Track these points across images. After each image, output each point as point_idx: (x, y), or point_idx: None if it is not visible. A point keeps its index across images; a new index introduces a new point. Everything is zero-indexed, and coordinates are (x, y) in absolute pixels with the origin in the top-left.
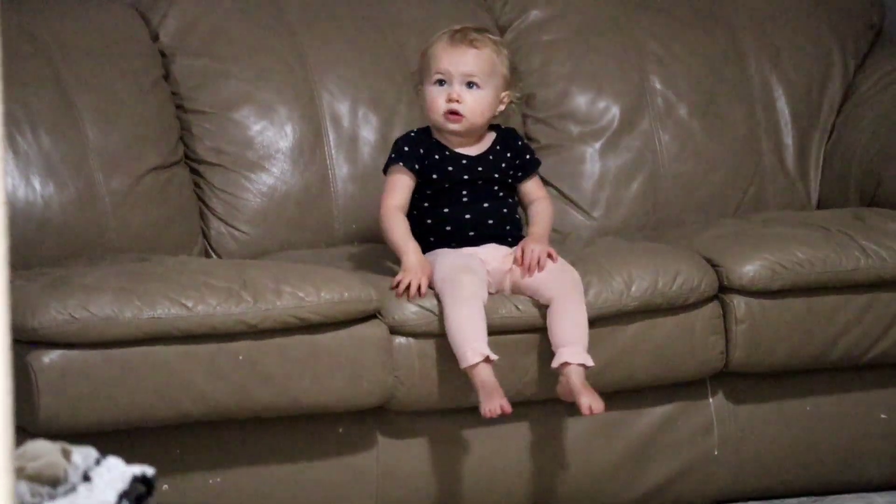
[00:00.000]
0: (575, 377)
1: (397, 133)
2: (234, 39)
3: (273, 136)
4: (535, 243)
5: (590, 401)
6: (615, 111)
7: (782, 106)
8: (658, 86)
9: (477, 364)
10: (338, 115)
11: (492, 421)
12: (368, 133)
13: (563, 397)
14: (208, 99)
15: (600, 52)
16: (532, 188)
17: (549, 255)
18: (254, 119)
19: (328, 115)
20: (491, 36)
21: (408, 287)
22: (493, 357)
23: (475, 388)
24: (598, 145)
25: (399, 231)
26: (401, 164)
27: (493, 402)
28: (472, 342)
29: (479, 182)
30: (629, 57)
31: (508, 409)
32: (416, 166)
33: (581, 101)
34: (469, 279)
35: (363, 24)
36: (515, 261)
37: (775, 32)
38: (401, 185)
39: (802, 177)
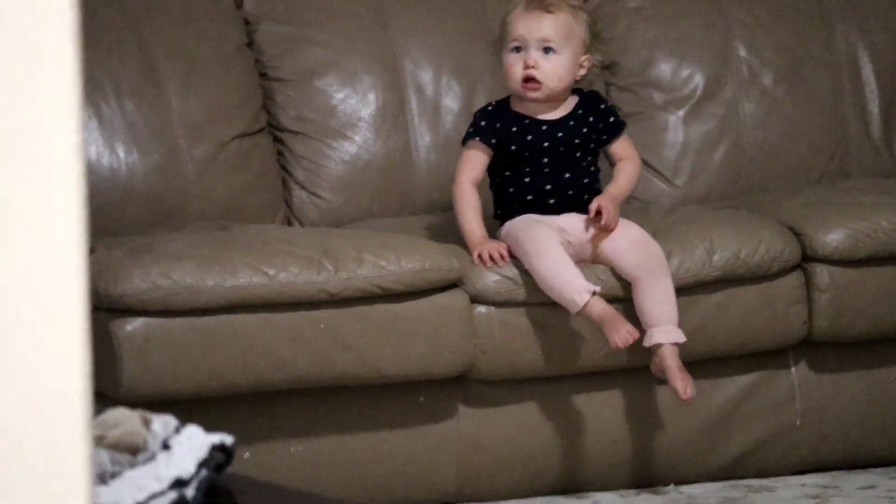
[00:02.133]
0: (669, 357)
1: (480, 101)
2: (316, 7)
3: (356, 104)
4: (608, 202)
5: (685, 385)
6: (699, 79)
7: (868, 73)
8: (742, 53)
9: (588, 301)
10: (421, 84)
11: (573, 389)
12: (451, 101)
13: (657, 375)
14: (291, 66)
15: (684, 18)
16: (619, 149)
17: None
18: (336, 87)
19: (411, 83)
20: (568, 0)
21: (490, 258)
22: (597, 288)
23: (595, 325)
24: (681, 113)
25: (467, 209)
26: (477, 139)
27: (620, 331)
28: (572, 284)
29: (561, 148)
30: (713, 23)
31: (637, 333)
32: (493, 140)
33: (665, 68)
34: (541, 229)
35: None
36: (588, 214)
37: (863, 0)
38: (475, 160)
39: (888, 145)
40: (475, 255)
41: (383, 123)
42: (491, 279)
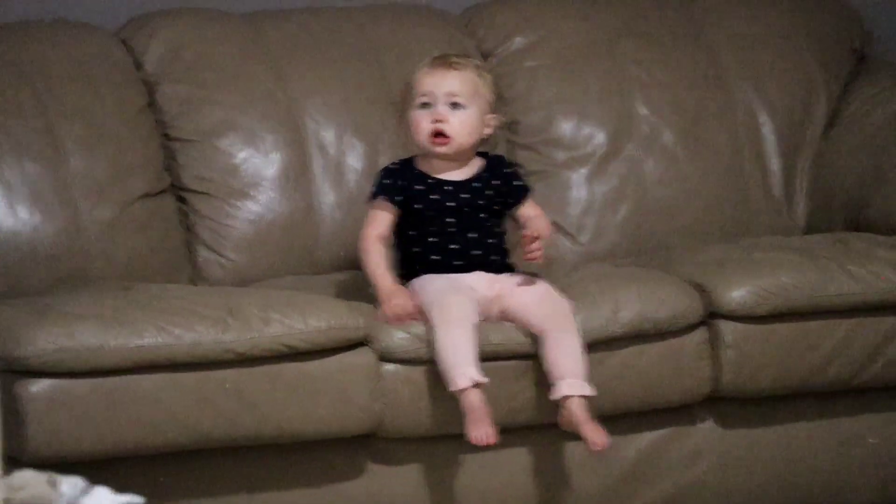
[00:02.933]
0: (577, 409)
1: (384, 159)
2: (217, 67)
3: (259, 163)
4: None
5: (595, 436)
6: (600, 137)
7: (767, 130)
8: (642, 111)
9: (465, 389)
10: (323, 142)
11: (482, 447)
12: (354, 160)
13: (565, 428)
14: (193, 126)
15: (584, 77)
16: (528, 211)
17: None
18: (239, 146)
19: (313, 141)
20: (473, 59)
21: (396, 314)
22: (483, 380)
23: (463, 412)
24: (584, 171)
25: (374, 260)
26: (382, 197)
27: (480, 430)
28: (461, 366)
29: (466, 209)
30: (613, 82)
31: (494, 438)
32: (399, 198)
33: (566, 126)
34: (458, 301)
35: (346, 51)
36: (524, 237)
37: (758, 57)
38: (381, 218)
39: (788, 201)
40: (384, 308)
41: (286, 182)
42: (398, 337)
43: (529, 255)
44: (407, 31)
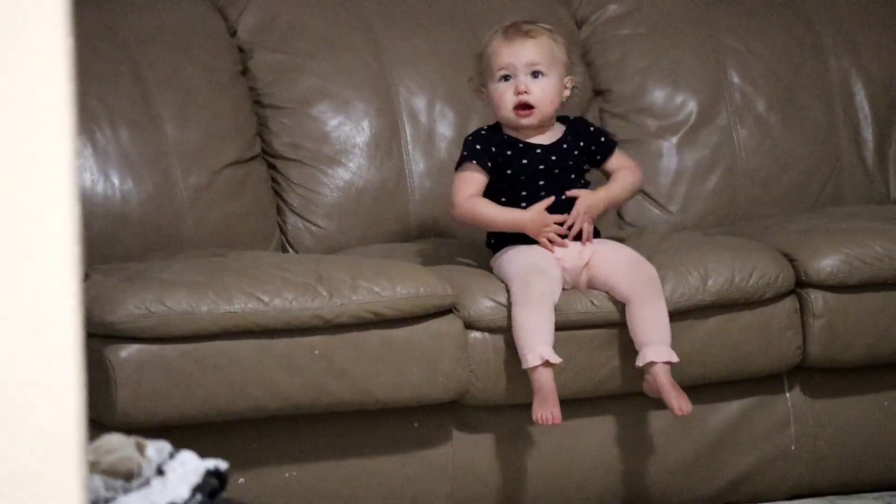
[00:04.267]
0: (662, 375)
1: (474, 128)
2: (311, 35)
3: (350, 131)
4: (590, 196)
5: (679, 401)
6: (692, 106)
7: (861, 100)
8: (736, 80)
9: (536, 367)
10: (414, 111)
11: (567, 415)
12: (445, 128)
13: (650, 394)
14: (285, 94)
15: (677, 46)
16: (615, 163)
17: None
18: (330, 114)
19: (405, 110)
20: (543, 24)
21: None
22: (556, 360)
23: (533, 390)
24: (675, 140)
25: (486, 209)
26: (474, 161)
27: (546, 409)
28: (535, 345)
29: (556, 171)
30: (706, 51)
31: (558, 419)
32: (490, 163)
33: (658, 95)
34: (540, 279)
35: (440, 20)
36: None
37: (854, 26)
38: (473, 181)
39: (881, 171)
40: (539, 238)
41: (377, 150)
42: (485, 305)
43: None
44: (501, 0)
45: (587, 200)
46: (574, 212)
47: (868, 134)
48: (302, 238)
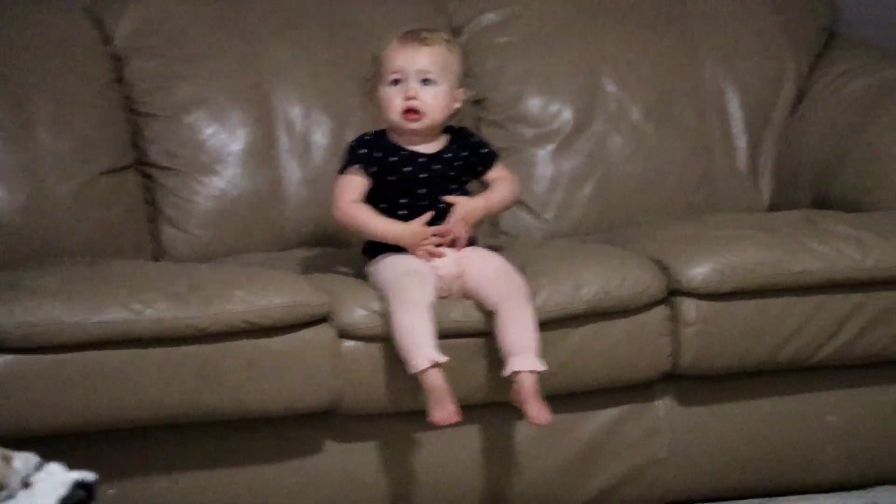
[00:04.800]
0: (527, 384)
1: (350, 136)
2: (187, 43)
3: (225, 139)
4: (467, 202)
5: (536, 411)
6: (568, 114)
7: (735, 108)
8: (611, 88)
9: (426, 369)
10: (290, 119)
11: (445, 426)
12: (320, 137)
13: (516, 404)
14: (161, 102)
15: (554, 54)
16: (495, 174)
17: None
18: (206, 122)
19: (280, 118)
20: (442, 34)
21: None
22: (443, 359)
23: (425, 393)
24: (550, 148)
25: (365, 217)
26: (357, 166)
27: (443, 410)
28: (420, 347)
29: (438, 180)
30: (582, 59)
31: (458, 417)
32: (373, 168)
33: (534, 103)
34: (416, 282)
35: (316, 29)
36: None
37: (728, 34)
38: (355, 185)
39: (754, 178)
40: (415, 251)
41: (252, 158)
42: (359, 314)
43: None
44: (377, 8)
45: (465, 207)
46: (451, 218)
47: (741, 142)
48: (176, 247)
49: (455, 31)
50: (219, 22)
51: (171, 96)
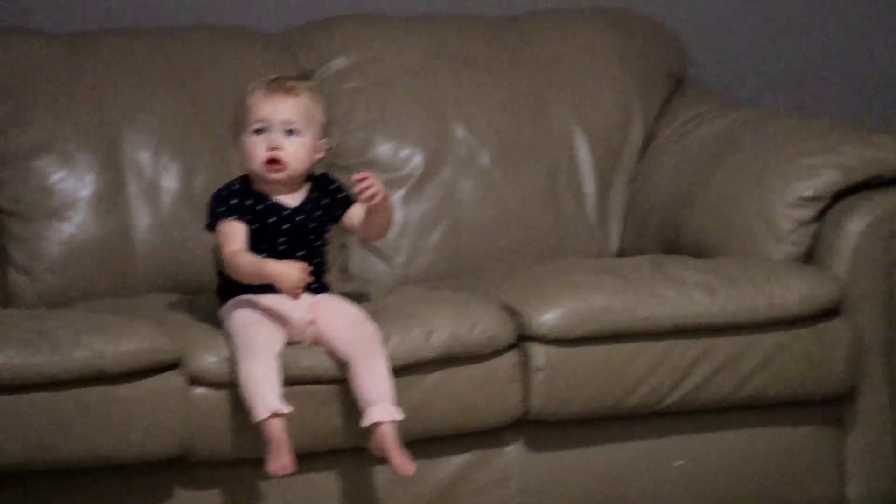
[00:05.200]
0: (387, 435)
1: (200, 182)
2: (35, 88)
3: (73, 184)
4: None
5: (401, 462)
6: (418, 159)
7: (583, 153)
8: (461, 133)
9: (267, 419)
10: (139, 164)
11: (281, 477)
12: (170, 181)
13: (375, 453)
14: (8, 147)
15: (403, 100)
16: (355, 211)
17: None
18: (54, 167)
19: (130, 163)
20: (307, 83)
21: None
22: (286, 410)
23: (265, 442)
24: (400, 193)
25: (247, 259)
26: (232, 215)
27: (279, 460)
28: (263, 396)
29: (299, 232)
30: (432, 105)
31: (293, 468)
32: (248, 217)
33: (384, 149)
34: (262, 331)
35: (165, 73)
36: (355, 179)
37: (577, 80)
38: (237, 234)
39: (603, 224)
40: (285, 290)
41: (101, 203)
42: (209, 361)
43: (367, 193)
44: (226, 54)
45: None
46: (372, 178)
47: (590, 187)
48: (25, 293)
49: (305, 77)
50: (68, 66)
51: (18, 141)
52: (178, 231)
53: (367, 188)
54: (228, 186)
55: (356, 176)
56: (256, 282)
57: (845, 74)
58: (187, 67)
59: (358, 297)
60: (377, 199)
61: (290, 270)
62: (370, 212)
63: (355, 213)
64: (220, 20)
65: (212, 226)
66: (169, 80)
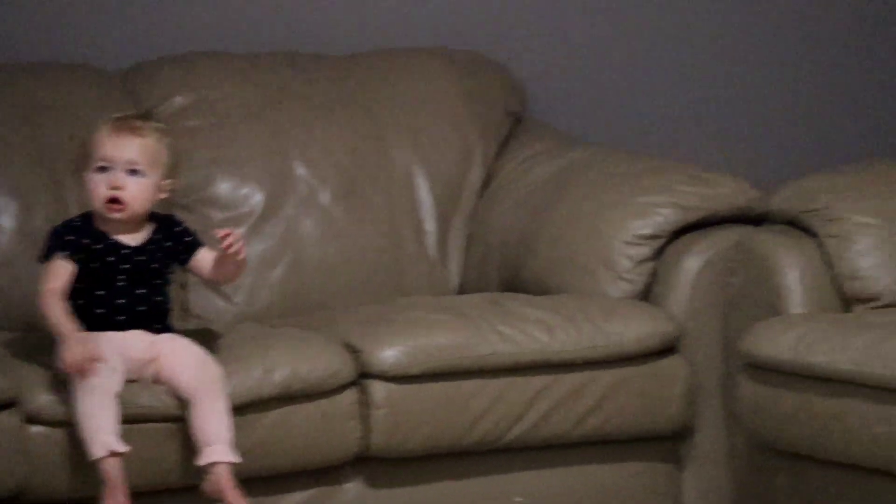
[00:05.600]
0: (223, 476)
1: (38, 219)
2: None
3: None
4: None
5: (238, 503)
6: (258, 197)
7: (424, 192)
8: (301, 171)
9: (103, 458)
10: None
11: None
12: (7, 220)
13: (211, 494)
14: None
15: (243, 138)
16: (202, 255)
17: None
18: None
19: None
20: (154, 124)
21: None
22: (122, 449)
23: (101, 481)
24: (240, 231)
25: (56, 313)
26: (63, 253)
27: (114, 500)
28: (100, 434)
29: (139, 273)
30: (272, 143)
31: None
32: (80, 255)
33: (224, 186)
34: (101, 369)
35: (3, 110)
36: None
37: (417, 119)
38: (62, 274)
39: (443, 262)
40: (67, 356)
41: None
42: (45, 399)
43: (232, 250)
44: (66, 91)
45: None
46: (235, 234)
47: (430, 226)
48: None
49: (150, 116)
50: None
51: None
52: (16, 268)
53: (231, 244)
54: (69, 222)
55: (221, 233)
56: (53, 331)
57: (686, 115)
58: (26, 104)
59: (199, 336)
60: (241, 255)
61: (77, 348)
62: (225, 260)
63: (203, 258)
64: (59, 57)
65: (44, 258)
66: (7, 116)
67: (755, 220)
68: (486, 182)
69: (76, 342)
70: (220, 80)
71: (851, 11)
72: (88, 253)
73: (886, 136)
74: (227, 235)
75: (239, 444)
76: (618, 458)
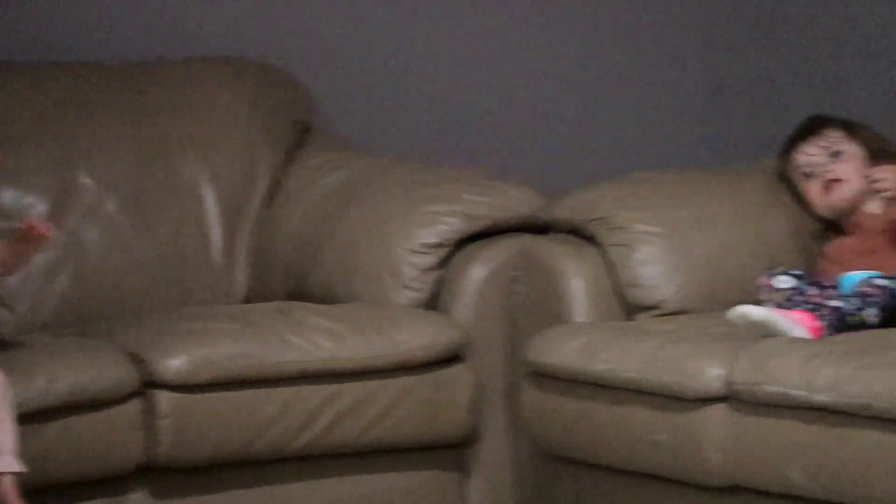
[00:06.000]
0: (8, 486)
1: None
2: None
3: None
4: None
5: None
6: (42, 207)
7: (210, 201)
8: (86, 181)
9: None
10: None
11: None
12: None
13: None
14: None
15: (27, 147)
16: None
17: None
18: None
19: None
20: None
21: None
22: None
23: None
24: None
25: None
26: None
27: None
28: None
29: None
30: (57, 152)
31: None
32: None
33: (6, 196)
34: None
35: None
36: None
37: (203, 128)
38: None
39: (228, 271)
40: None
41: None
42: None
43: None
44: None
45: None
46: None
47: (216, 235)
48: None
49: None
50: None
51: None
52: None
53: (35, 225)
54: None
55: (29, 222)
56: None
57: (477, 123)
58: None
59: None
60: (47, 240)
61: None
62: (27, 244)
63: None
64: None
65: None
66: None
67: (541, 228)
68: (274, 191)
69: None
70: (3, 88)
71: (640, 20)
72: None
73: (672, 145)
74: (32, 226)
75: (24, 455)
76: (405, 466)
